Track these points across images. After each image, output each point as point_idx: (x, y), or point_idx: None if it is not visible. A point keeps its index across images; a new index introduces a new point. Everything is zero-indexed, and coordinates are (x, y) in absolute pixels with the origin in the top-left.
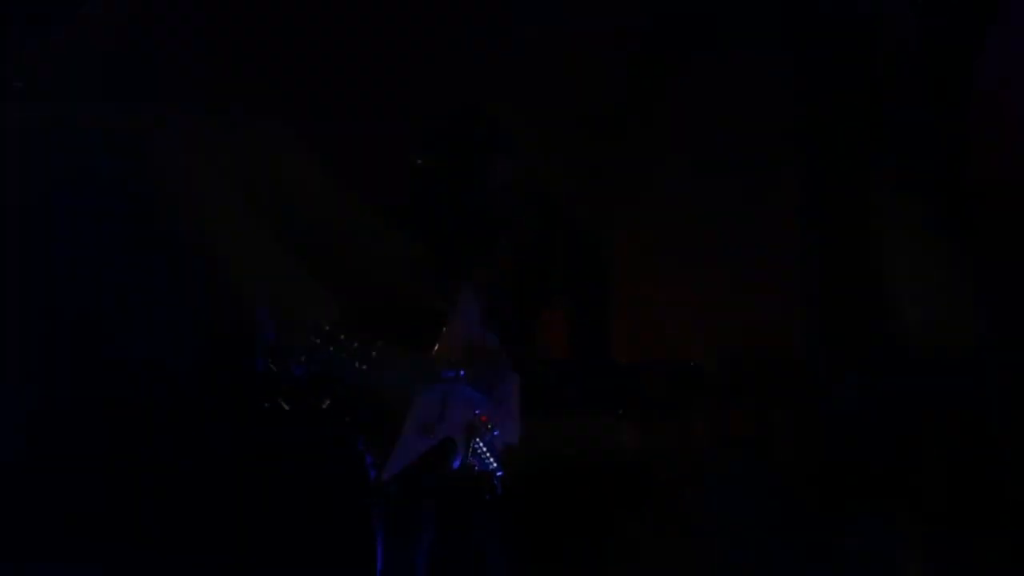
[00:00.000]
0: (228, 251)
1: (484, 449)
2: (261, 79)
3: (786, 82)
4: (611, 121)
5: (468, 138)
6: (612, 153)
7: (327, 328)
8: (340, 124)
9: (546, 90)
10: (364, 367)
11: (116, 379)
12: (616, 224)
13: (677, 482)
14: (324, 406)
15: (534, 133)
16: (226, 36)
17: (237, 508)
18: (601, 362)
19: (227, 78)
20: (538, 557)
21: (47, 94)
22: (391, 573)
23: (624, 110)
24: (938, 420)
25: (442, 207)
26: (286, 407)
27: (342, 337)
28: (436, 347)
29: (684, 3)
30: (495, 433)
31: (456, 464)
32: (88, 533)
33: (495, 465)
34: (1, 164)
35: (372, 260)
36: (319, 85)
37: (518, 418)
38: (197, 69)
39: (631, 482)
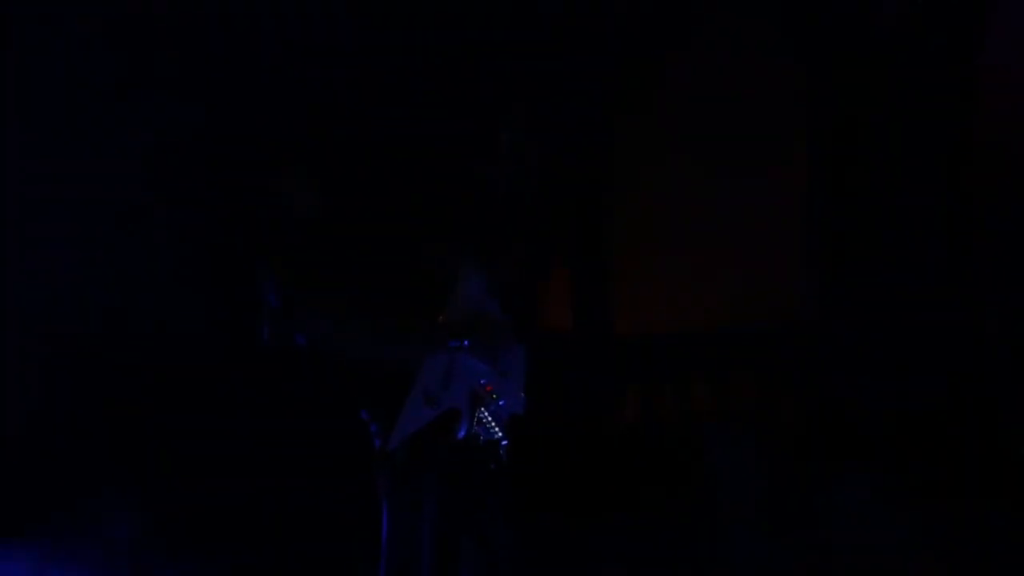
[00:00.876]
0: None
1: (489, 419)
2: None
3: (788, 45)
4: (610, 92)
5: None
6: (611, 125)
7: (332, 297)
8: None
9: (547, 62)
10: (367, 337)
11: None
12: (616, 195)
13: (679, 451)
14: (328, 373)
15: (535, 105)
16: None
17: (242, 481)
18: (603, 333)
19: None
20: (542, 526)
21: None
22: (396, 541)
23: (623, 80)
24: (935, 395)
25: (449, 179)
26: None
27: (345, 307)
28: (441, 318)
29: None
30: (500, 403)
31: (461, 434)
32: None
33: (500, 434)
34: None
35: (380, 230)
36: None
37: (523, 388)
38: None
39: (634, 451)
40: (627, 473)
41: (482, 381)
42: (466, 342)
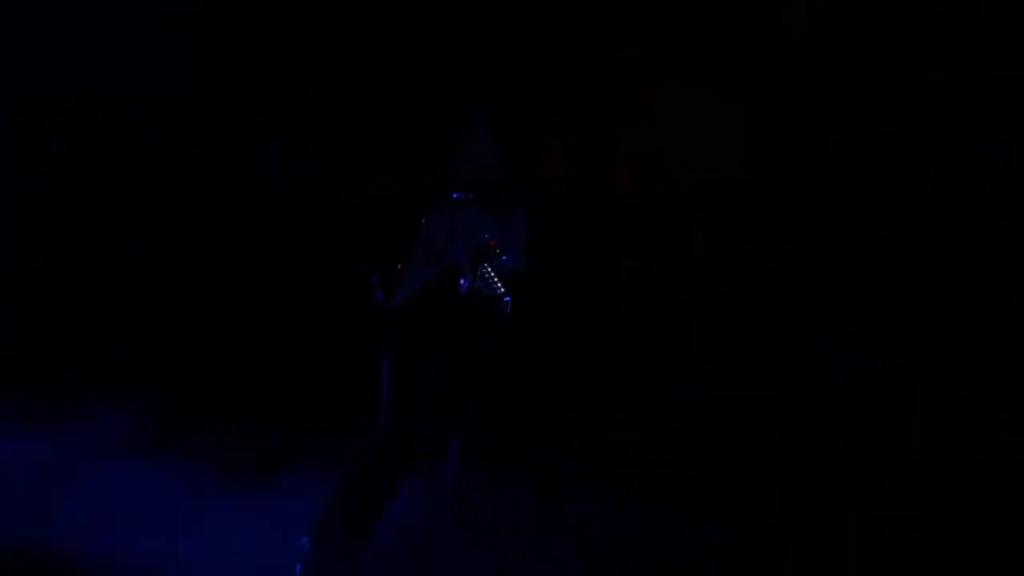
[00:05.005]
0: None
1: (492, 274)
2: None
3: None
4: None
5: None
6: None
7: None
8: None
9: None
10: (371, 190)
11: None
12: (617, 53)
13: (678, 309)
14: (331, 227)
15: None
16: None
17: (241, 341)
18: (603, 191)
19: None
20: (543, 379)
21: None
22: (397, 397)
23: None
24: (935, 254)
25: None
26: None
27: (347, 161)
28: (446, 171)
29: None
30: (503, 258)
31: (463, 288)
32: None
33: (503, 290)
34: None
35: (383, 84)
36: None
37: (526, 243)
38: None
39: (634, 308)
40: (627, 327)
41: (486, 236)
42: (471, 195)
